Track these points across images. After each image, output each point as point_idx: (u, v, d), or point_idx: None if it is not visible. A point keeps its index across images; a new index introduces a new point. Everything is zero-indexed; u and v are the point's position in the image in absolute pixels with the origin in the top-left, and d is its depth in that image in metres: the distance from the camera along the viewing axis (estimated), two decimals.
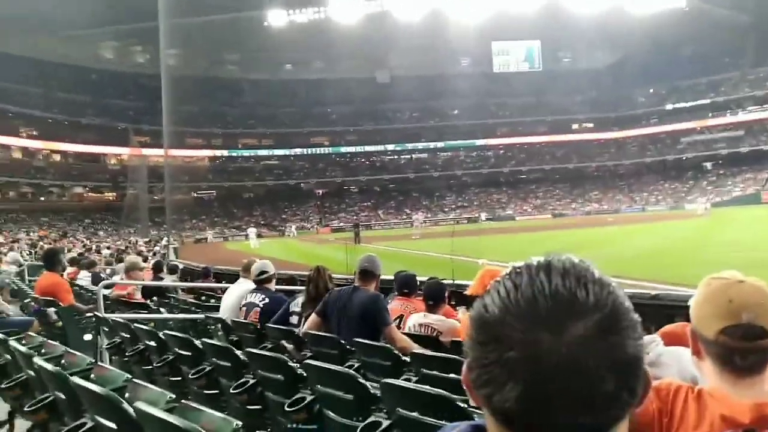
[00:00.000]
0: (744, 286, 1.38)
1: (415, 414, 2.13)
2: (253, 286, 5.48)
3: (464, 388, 0.70)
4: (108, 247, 26.47)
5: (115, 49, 67.67)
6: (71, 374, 2.74)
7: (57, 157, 61.14)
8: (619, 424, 0.65)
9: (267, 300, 5.13)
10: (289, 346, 4.00)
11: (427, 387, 2.35)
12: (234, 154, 71.12)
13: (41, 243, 27.38)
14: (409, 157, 74.51)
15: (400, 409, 2.19)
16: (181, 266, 12.28)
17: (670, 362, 1.96)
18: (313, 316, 4.13)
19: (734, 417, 1.32)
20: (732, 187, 58.93)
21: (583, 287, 0.64)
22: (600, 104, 73.65)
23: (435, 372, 3.02)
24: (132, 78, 64.81)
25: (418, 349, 3.61)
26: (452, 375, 2.85)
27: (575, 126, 74.71)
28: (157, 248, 29.49)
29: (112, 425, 2.18)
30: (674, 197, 60.21)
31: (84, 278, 10.14)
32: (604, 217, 48.72)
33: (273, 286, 5.54)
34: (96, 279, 9.61)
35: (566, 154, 71.92)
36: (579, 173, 70.38)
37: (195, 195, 66.34)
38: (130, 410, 2.02)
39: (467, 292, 4.25)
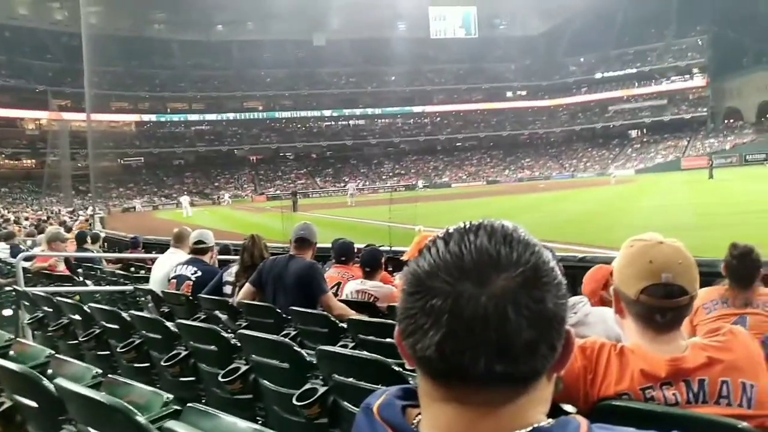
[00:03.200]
0: (663, 247, 1.44)
1: (351, 379, 2.13)
2: (185, 257, 5.22)
3: (396, 344, 0.72)
4: (27, 218, 24.99)
5: (31, 5, 62.62)
6: None
7: None
8: (537, 381, 0.68)
9: (199, 273, 4.82)
10: (223, 317, 3.92)
11: (363, 352, 2.36)
12: (162, 119, 68.00)
13: None
14: (346, 123, 73.73)
15: (336, 375, 2.19)
16: (103, 235, 11.71)
17: (597, 321, 2.05)
18: (248, 285, 4.06)
19: (653, 371, 1.39)
20: (655, 154, 62.01)
21: (507, 245, 0.67)
22: (533, 72, 75.16)
23: (371, 337, 3.05)
24: (51, 36, 60.50)
25: (355, 315, 3.63)
26: (388, 339, 2.88)
27: (509, 94, 76.02)
28: (81, 218, 28.08)
29: (33, 404, 2.07)
30: (601, 164, 62.82)
31: (2, 250, 9.57)
32: (536, 184, 50.33)
33: (209, 258, 5.17)
34: (15, 251, 9.07)
35: (500, 122, 73.31)
36: (512, 141, 72.04)
37: (122, 162, 63.43)
38: (51, 387, 1.92)
39: (404, 258, 4.30)
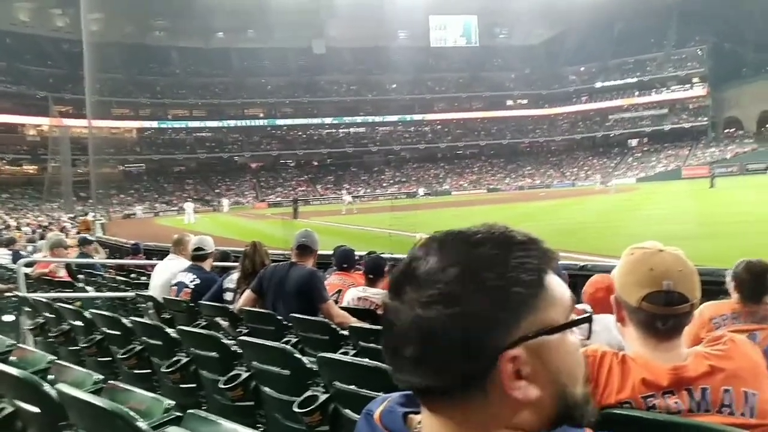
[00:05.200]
0: (664, 255, 1.45)
1: (352, 387, 2.13)
2: (184, 263, 5.20)
3: None
4: (28, 224, 25.00)
5: (32, 11, 62.87)
6: None
7: None
8: (478, 399, 0.65)
9: (198, 281, 4.84)
10: (224, 323, 3.92)
11: (364, 360, 2.35)
12: (164, 126, 67.93)
13: None
14: (347, 131, 73.75)
15: (337, 383, 2.19)
16: (93, 239, 11.62)
17: (599, 330, 2.04)
18: (248, 292, 4.05)
19: (655, 380, 1.39)
20: (656, 163, 62.08)
21: (425, 261, 0.67)
22: (534, 81, 75.36)
23: (372, 345, 3.04)
24: (51, 43, 60.72)
25: (356, 322, 3.62)
26: None
27: (510, 102, 76.20)
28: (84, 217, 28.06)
29: (34, 409, 2.07)
30: (602, 173, 62.85)
31: (3, 256, 9.57)
32: (536, 192, 50.37)
33: (208, 265, 5.18)
34: (16, 257, 9.07)
35: (501, 130, 73.43)
36: (513, 149, 72.15)
37: (123, 168, 63.49)
38: (53, 393, 1.92)
39: None
